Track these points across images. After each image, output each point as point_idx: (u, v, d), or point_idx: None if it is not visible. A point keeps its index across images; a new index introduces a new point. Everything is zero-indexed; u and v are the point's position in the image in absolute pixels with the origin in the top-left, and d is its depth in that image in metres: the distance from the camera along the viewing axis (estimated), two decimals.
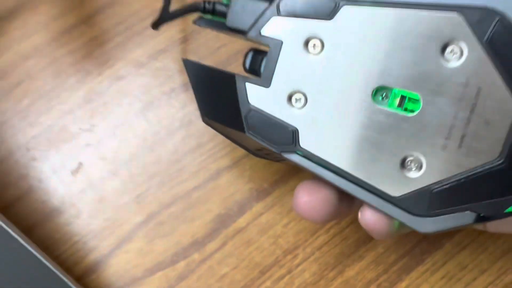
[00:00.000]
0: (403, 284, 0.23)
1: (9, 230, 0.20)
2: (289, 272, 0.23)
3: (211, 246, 0.23)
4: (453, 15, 0.12)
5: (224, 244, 0.23)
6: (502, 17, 0.12)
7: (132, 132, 0.24)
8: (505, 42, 0.12)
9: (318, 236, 0.23)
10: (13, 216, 0.23)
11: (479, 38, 0.12)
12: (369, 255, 0.23)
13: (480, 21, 0.12)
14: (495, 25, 0.12)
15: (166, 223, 0.23)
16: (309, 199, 0.16)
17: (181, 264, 0.23)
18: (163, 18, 0.21)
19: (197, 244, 0.23)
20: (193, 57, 0.25)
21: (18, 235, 0.21)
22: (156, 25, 0.21)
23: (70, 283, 0.21)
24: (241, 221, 0.23)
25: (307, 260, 0.23)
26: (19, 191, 0.24)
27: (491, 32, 0.12)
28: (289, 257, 0.23)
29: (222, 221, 0.23)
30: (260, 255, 0.23)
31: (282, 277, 0.23)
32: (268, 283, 0.23)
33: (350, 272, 0.23)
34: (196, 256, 0.23)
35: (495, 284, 0.23)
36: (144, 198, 0.24)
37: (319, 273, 0.23)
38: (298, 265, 0.23)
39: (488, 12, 0.12)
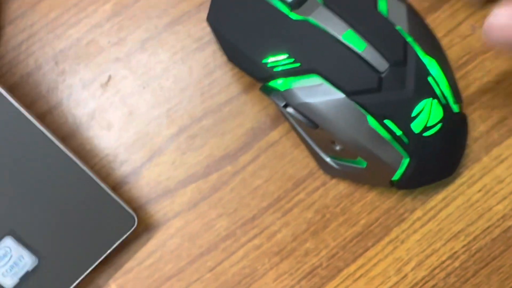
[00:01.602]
0: (439, 196, 0.22)
1: (49, 135, 0.20)
2: (323, 184, 0.22)
3: (244, 158, 0.23)
4: None
5: (257, 156, 0.23)
6: None
7: (162, 45, 0.24)
8: None
9: None
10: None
11: None
12: None
13: None
14: None
15: (197, 136, 0.23)
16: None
17: (214, 176, 0.23)
18: None
19: (230, 157, 0.23)
20: None
21: (58, 142, 0.20)
22: None
23: (107, 189, 0.21)
24: (274, 134, 0.23)
25: None
26: (49, 104, 0.23)
27: None
28: None
29: (255, 134, 0.23)
30: (293, 167, 0.23)
31: (316, 189, 0.22)
32: (302, 195, 0.22)
33: None
34: (229, 169, 0.23)
35: None
36: (175, 112, 0.23)
37: (353, 184, 0.22)
38: (332, 177, 0.22)
39: None
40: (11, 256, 0.20)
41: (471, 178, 0.22)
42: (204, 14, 0.24)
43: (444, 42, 0.23)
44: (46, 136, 0.20)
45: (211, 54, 0.24)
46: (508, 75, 0.23)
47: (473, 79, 0.23)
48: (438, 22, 0.24)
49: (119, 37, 0.24)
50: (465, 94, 0.23)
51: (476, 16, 0.24)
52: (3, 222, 0.20)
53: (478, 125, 0.23)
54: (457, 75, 0.23)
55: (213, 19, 0.21)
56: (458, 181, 0.22)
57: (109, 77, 0.23)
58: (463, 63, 0.23)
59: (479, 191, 0.22)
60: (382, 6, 0.20)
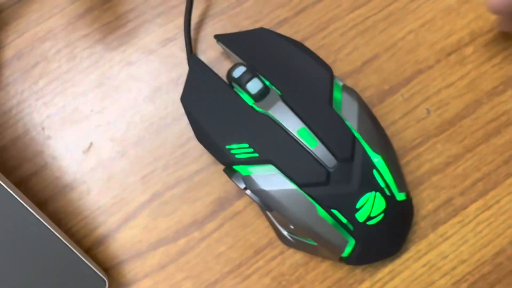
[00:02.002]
0: (386, 269, 0.24)
1: (24, 204, 0.22)
2: (281, 253, 0.25)
3: (210, 226, 0.25)
4: None
5: (222, 224, 0.25)
6: None
7: (140, 115, 0.26)
8: None
9: None
10: (28, 190, 0.25)
11: None
12: None
13: None
14: None
15: (169, 203, 0.25)
16: None
17: (182, 241, 0.25)
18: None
19: (197, 223, 0.25)
20: (200, 45, 0.26)
21: (32, 209, 0.22)
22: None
23: (79, 254, 0.23)
24: (239, 204, 0.25)
25: None
26: (35, 167, 0.25)
27: None
28: None
29: (221, 204, 0.25)
30: (255, 236, 0.25)
31: (274, 257, 0.24)
32: (261, 262, 0.24)
33: None
34: (196, 235, 0.25)
35: (472, 274, 0.24)
36: (150, 179, 0.25)
37: (309, 255, 0.24)
38: (289, 247, 0.24)
39: None
40: None
41: (417, 253, 0.24)
42: (181, 88, 0.26)
43: (399, 124, 0.25)
44: (20, 202, 0.22)
45: (185, 127, 0.26)
46: (457, 158, 0.25)
47: (425, 160, 0.25)
48: (396, 105, 0.26)
49: (102, 106, 0.26)
50: (416, 174, 0.25)
51: (431, 100, 0.26)
52: None
53: (427, 204, 0.25)
54: (410, 156, 0.25)
55: (185, 100, 0.23)
56: (405, 256, 0.24)
57: (91, 144, 0.26)
58: (416, 144, 0.25)
59: (424, 266, 0.24)
60: (337, 100, 0.22)
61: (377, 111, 0.26)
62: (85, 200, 0.25)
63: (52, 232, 0.22)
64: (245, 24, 0.26)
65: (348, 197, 0.21)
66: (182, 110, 0.26)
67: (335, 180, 0.21)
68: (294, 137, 0.21)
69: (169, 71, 0.26)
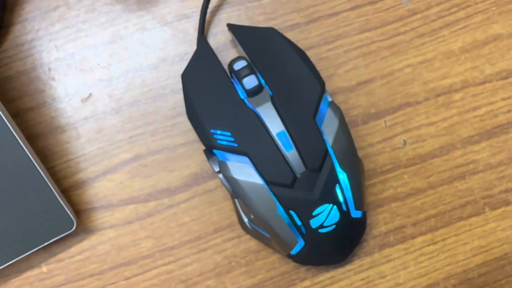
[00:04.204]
0: (328, 274, 0.26)
1: (15, 134, 0.24)
2: (238, 237, 0.27)
3: (181, 196, 0.27)
4: None
5: (191, 198, 0.27)
6: None
7: (141, 80, 0.27)
8: None
9: None
10: (22, 123, 0.27)
11: None
12: None
13: None
14: None
15: (148, 167, 0.27)
16: None
17: (152, 204, 0.27)
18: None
19: (170, 191, 0.27)
20: (212, 28, 0.28)
21: (22, 140, 0.24)
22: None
23: (55, 192, 0.25)
24: (212, 184, 0.27)
25: None
26: (33, 103, 0.27)
27: None
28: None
29: (196, 179, 0.27)
30: (218, 216, 0.27)
31: (231, 239, 0.27)
32: (218, 240, 0.27)
33: None
34: (166, 201, 0.27)
35: None
36: (136, 140, 0.27)
37: (262, 245, 0.26)
38: (246, 233, 0.26)
39: None
40: None
41: (359, 267, 0.27)
42: (185, 64, 0.27)
43: (375, 148, 0.27)
44: (11, 131, 0.24)
45: (179, 101, 0.27)
46: (419, 192, 0.27)
47: (390, 186, 0.27)
48: (377, 129, 0.27)
49: (108, 62, 0.27)
50: (378, 196, 0.27)
51: (411, 134, 0.27)
52: None
53: (380, 225, 0.27)
54: (377, 179, 0.27)
55: (186, 77, 0.25)
56: (348, 267, 0.27)
57: (90, 95, 0.27)
58: (386, 170, 0.27)
59: (362, 279, 0.27)
60: (321, 114, 0.24)
61: (359, 131, 0.27)
62: (73, 145, 0.27)
63: (35, 165, 0.24)
64: (259, 19, 0.28)
65: (307, 203, 0.23)
66: (181, 85, 0.27)
67: (299, 186, 0.23)
68: (273, 138, 0.23)
69: (177, 46, 0.28)
